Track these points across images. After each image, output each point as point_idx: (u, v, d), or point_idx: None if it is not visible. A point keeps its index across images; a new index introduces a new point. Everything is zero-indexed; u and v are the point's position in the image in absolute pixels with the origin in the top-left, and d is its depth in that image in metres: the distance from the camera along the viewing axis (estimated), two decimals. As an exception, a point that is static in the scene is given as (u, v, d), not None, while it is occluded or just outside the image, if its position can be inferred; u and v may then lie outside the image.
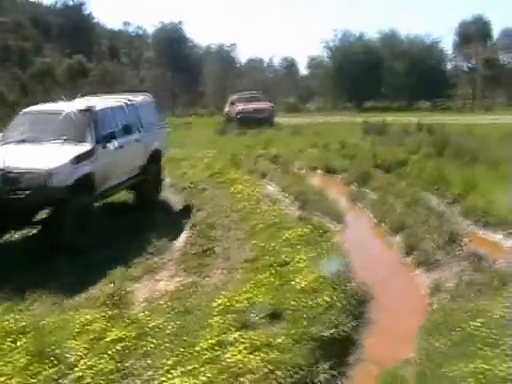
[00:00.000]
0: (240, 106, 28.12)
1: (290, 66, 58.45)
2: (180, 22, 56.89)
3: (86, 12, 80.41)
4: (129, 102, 10.83)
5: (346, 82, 44.81)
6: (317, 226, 8.66)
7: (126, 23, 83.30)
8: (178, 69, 47.58)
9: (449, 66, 50.99)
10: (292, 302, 5.59)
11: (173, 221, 10.25)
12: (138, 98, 11.55)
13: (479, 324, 5.03)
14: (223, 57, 58.06)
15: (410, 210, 9.87)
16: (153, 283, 7.12)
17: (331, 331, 5.16)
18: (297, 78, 57.55)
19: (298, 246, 7.40)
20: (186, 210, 11.07)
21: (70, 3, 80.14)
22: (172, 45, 51.03)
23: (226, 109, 30.04)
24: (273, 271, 6.54)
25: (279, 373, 4.32)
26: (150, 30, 65.94)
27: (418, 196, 10.93)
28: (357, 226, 10.00)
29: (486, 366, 4.20)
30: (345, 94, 46.01)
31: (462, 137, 17.10)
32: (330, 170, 15.18)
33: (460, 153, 13.82)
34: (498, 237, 8.74)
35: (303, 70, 58.56)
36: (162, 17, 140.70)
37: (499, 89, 53.18)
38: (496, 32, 52.72)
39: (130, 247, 8.26)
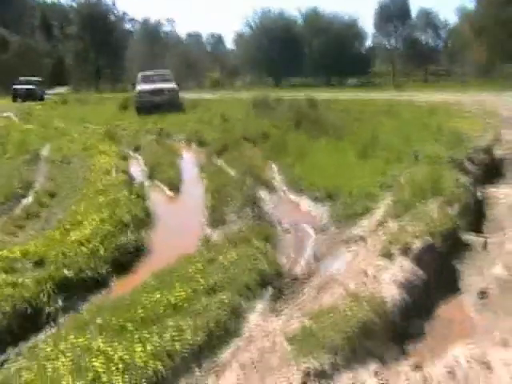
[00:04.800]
0: (140, 86, 25.94)
1: (217, 42, 58.95)
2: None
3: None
4: None
5: (266, 60, 45.69)
6: (138, 192, 9.69)
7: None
8: (101, 44, 47.38)
9: (369, 43, 52.57)
10: (58, 252, 6.56)
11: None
12: None
13: (195, 268, 6.09)
14: (151, 32, 58.04)
15: (240, 176, 10.99)
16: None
17: (78, 274, 6.17)
18: (224, 54, 58.05)
19: (103, 210, 8.35)
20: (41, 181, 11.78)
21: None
22: (94, 19, 50.24)
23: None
24: (63, 229, 7.51)
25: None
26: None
27: (257, 164, 12.16)
28: (187, 193, 11.03)
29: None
30: (266, 71, 46.85)
31: (333, 112, 18.39)
32: (201, 143, 16.20)
33: (313, 126, 15.07)
34: (303, 200, 9.99)
35: (230, 46, 59.05)
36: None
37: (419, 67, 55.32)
38: (414, 12, 54.55)
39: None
